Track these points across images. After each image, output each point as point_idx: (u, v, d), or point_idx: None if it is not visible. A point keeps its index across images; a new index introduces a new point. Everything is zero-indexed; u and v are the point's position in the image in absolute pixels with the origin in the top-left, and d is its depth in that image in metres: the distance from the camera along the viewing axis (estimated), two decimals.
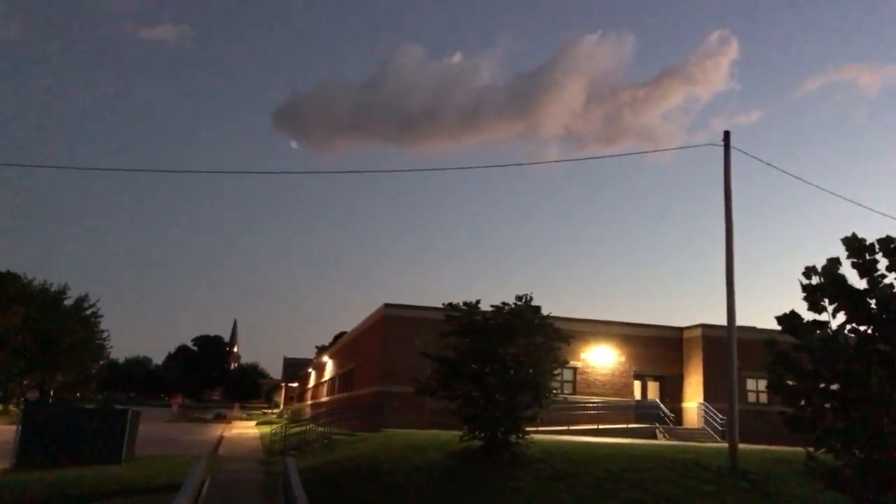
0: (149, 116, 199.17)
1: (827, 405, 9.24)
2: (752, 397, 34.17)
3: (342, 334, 62.34)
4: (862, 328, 9.38)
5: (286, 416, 63.07)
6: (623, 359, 36.36)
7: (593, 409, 33.90)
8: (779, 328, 9.74)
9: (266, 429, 45.38)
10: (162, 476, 19.61)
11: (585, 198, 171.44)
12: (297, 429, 33.07)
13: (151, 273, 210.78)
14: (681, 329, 37.80)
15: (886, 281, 9.36)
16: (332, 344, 70.71)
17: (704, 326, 35.90)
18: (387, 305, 34.57)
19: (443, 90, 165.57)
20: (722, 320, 20.43)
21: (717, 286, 23.25)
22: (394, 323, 33.65)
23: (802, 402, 9.34)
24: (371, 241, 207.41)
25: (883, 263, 9.41)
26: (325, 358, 60.80)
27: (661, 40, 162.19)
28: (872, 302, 9.35)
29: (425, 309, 32.12)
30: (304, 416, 55.45)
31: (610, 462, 18.68)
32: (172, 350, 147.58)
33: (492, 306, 21.17)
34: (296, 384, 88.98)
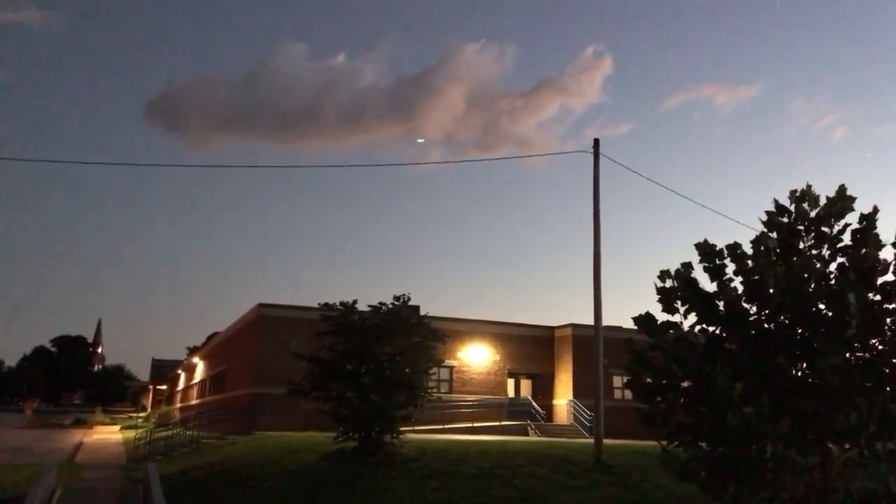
0: (9, 103, 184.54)
1: (679, 401, 9.80)
2: (618, 394, 35.72)
3: (215, 335, 60.15)
4: (711, 329, 10.02)
5: (153, 420, 60.20)
6: (498, 357, 37.15)
7: (469, 407, 34.42)
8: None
9: (131, 433, 43.08)
10: (6, 488, 18.18)
11: (464, 201, 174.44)
12: (165, 433, 31.66)
13: (4, 269, 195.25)
14: (553, 328, 39.07)
15: (733, 284, 10.03)
16: (204, 345, 68.10)
17: (574, 326, 37.23)
18: (261, 305, 33.68)
19: (325, 89, 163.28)
20: (591, 320, 21.23)
21: (588, 287, 24.45)
22: (268, 323, 32.82)
23: (657, 399, 9.86)
24: (247, 239, 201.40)
25: (731, 268, 10.08)
26: (196, 359, 58.51)
27: (540, 52, 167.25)
28: (721, 304, 10.00)
29: (301, 309, 31.56)
30: (173, 420, 53.17)
31: (482, 459, 19.00)
32: (28, 351, 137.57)
33: (369, 306, 21.07)
34: (165, 387, 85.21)
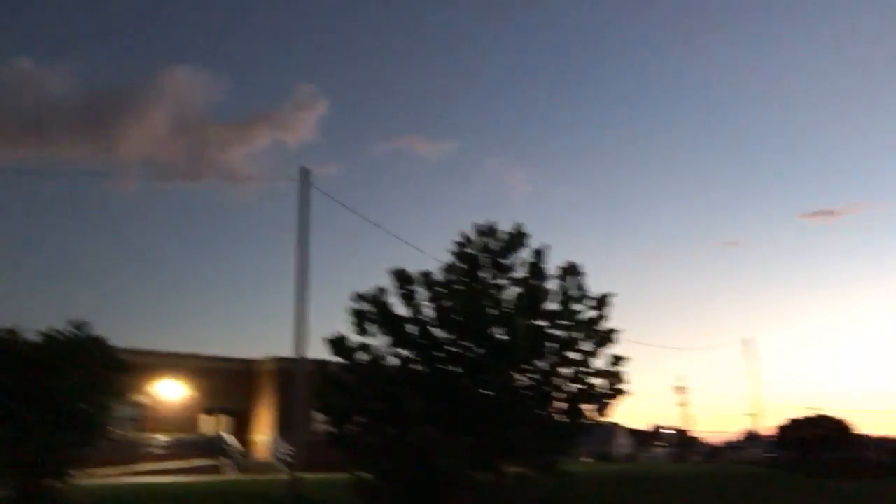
0: None
1: (369, 423, 9.94)
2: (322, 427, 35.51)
3: None
4: (403, 351, 10.37)
5: None
6: (195, 392, 35.07)
7: (161, 446, 31.88)
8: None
9: None
10: None
11: (165, 228, 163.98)
12: None
13: None
14: (254, 362, 37.86)
15: (425, 310, 10.52)
16: None
17: (278, 359, 36.30)
18: None
19: (3, 93, 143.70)
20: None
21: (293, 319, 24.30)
22: None
23: (348, 422, 9.91)
24: None
25: (423, 294, 10.57)
26: None
27: (255, 86, 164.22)
28: (413, 327, 10.41)
29: None
30: None
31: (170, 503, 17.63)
32: None
33: (41, 334, 18.56)
34: None
